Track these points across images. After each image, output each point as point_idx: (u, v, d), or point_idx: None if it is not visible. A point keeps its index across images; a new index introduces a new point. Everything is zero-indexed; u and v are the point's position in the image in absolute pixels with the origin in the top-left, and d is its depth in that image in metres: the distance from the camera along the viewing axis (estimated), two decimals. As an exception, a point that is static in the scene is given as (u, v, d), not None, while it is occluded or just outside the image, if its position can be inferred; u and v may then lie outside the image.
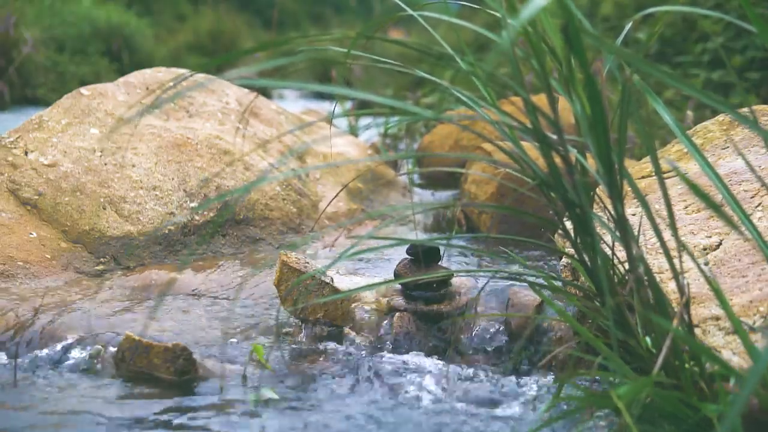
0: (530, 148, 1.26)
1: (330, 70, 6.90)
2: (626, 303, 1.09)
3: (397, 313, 1.59)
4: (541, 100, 2.90)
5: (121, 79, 2.55)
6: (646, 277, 1.04)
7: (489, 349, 1.54)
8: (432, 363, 1.50)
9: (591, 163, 1.08)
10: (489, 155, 2.37)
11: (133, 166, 2.18)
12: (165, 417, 1.27)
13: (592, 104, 0.94)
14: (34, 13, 8.26)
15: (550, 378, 1.43)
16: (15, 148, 2.17)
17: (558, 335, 1.51)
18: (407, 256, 1.63)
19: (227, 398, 1.34)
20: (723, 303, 1.00)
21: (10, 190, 2.07)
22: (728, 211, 1.29)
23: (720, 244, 1.41)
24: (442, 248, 1.62)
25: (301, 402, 1.33)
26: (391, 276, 1.66)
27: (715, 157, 1.71)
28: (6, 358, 1.51)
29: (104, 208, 2.06)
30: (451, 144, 3.22)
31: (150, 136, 2.27)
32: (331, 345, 1.57)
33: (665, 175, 1.74)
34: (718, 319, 1.21)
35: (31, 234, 1.96)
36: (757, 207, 1.46)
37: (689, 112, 3.35)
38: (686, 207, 1.57)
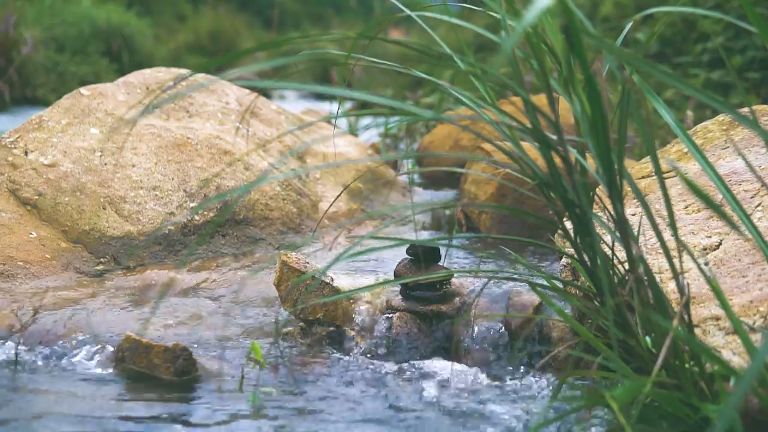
0: (530, 148, 1.26)
1: (330, 71, 6.91)
2: (626, 303, 1.09)
3: (397, 313, 1.59)
4: (541, 100, 2.90)
5: (121, 79, 2.55)
6: (646, 277, 1.04)
7: (489, 349, 1.54)
8: (432, 363, 1.50)
9: (591, 163, 1.08)
10: (489, 155, 2.37)
11: (133, 166, 2.18)
12: (165, 417, 1.27)
13: (592, 104, 0.94)
14: (34, 13, 8.26)
15: (550, 378, 1.43)
16: (15, 148, 2.17)
17: (558, 335, 1.51)
18: (407, 256, 1.63)
19: (227, 398, 1.34)
20: (723, 303, 1.00)
21: (10, 190, 2.07)
22: (728, 211, 1.29)
23: (720, 244, 1.41)
24: (442, 248, 1.62)
25: (301, 402, 1.33)
26: (392, 276, 1.66)
27: (715, 157, 1.71)
28: (6, 358, 1.51)
29: (104, 208, 2.06)
30: (451, 144, 3.22)
31: (150, 136, 2.27)
32: (331, 345, 1.57)
33: (665, 175, 1.74)
34: (718, 319, 1.21)
35: (31, 234, 1.96)
36: (757, 207, 1.46)
37: (689, 112, 3.35)
38: (686, 207, 1.57)
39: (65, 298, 1.73)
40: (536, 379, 1.43)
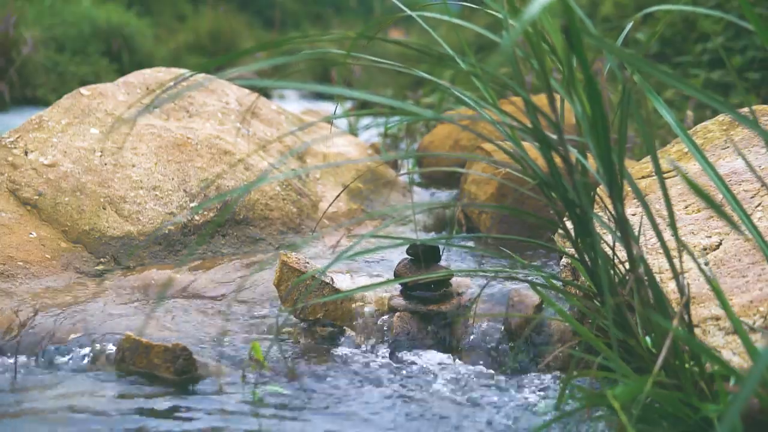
0: (530, 148, 1.26)
1: (330, 71, 6.91)
2: (626, 303, 1.09)
3: (397, 313, 1.59)
4: (541, 100, 2.90)
5: (121, 79, 2.55)
6: (646, 277, 1.04)
7: (489, 348, 1.54)
8: (432, 363, 1.50)
9: (591, 163, 1.08)
10: (489, 155, 2.37)
11: (133, 166, 2.18)
12: (165, 417, 1.27)
13: (592, 104, 0.94)
14: (34, 13, 8.26)
15: (551, 378, 1.43)
16: (15, 148, 2.17)
17: (558, 335, 1.51)
18: (407, 256, 1.63)
19: (227, 398, 1.34)
20: (723, 303, 1.00)
21: (10, 190, 2.07)
22: (728, 211, 1.29)
23: (720, 244, 1.41)
24: (442, 248, 1.62)
25: (301, 401, 1.33)
26: (392, 276, 1.66)
27: (715, 157, 1.71)
28: (6, 358, 1.51)
29: (104, 208, 2.06)
30: (451, 144, 3.22)
31: (150, 136, 2.27)
32: (331, 345, 1.57)
33: (665, 175, 1.74)
34: (718, 319, 1.21)
35: (31, 234, 1.96)
36: (757, 207, 1.46)
37: (689, 112, 3.35)
38: (686, 207, 1.57)
39: (65, 298, 1.73)
40: (537, 378, 1.43)
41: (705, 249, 1.41)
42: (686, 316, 1.04)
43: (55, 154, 2.16)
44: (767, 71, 4.49)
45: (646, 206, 1.00)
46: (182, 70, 2.74)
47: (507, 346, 1.54)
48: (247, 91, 2.77)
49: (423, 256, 1.59)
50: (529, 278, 1.30)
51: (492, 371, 1.47)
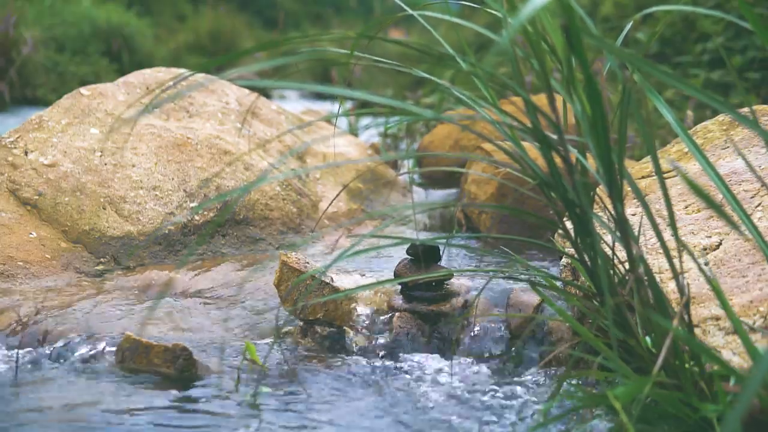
0: (530, 148, 1.26)
1: (330, 71, 6.91)
2: (626, 303, 1.09)
3: (397, 313, 1.59)
4: (541, 100, 2.90)
5: (121, 79, 2.55)
6: (646, 277, 1.04)
7: (489, 348, 1.54)
8: (432, 363, 1.50)
9: (591, 163, 1.08)
10: (489, 155, 2.37)
11: (133, 166, 2.18)
12: (164, 417, 1.27)
13: (592, 104, 0.94)
14: (34, 13, 8.26)
15: (551, 378, 1.43)
16: (15, 148, 2.17)
17: (558, 335, 1.51)
18: (407, 256, 1.63)
19: (226, 398, 1.34)
20: (723, 303, 1.00)
21: (10, 190, 2.07)
22: (728, 211, 1.29)
23: (720, 244, 1.41)
24: (442, 248, 1.62)
25: (300, 401, 1.33)
26: (391, 276, 1.66)
27: (715, 157, 1.71)
28: (7, 357, 1.51)
29: (104, 208, 2.06)
30: (451, 144, 3.22)
31: (150, 136, 2.27)
32: (331, 345, 1.57)
33: (665, 175, 1.74)
34: (718, 319, 1.21)
35: (31, 234, 1.96)
36: (757, 207, 1.46)
37: (689, 112, 3.35)
38: (686, 207, 1.57)
39: (65, 298, 1.73)
40: (537, 378, 1.43)
41: (705, 249, 1.41)
42: (686, 316, 1.04)
43: (55, 154, 2.16)
44: (767, 71, 4.49)
45: (646, 206, 1.00)
46: (182, 70, 2.74)
47: (507, 346, 1.54)
48: (247, 91, 2.77)
49: (423, 256, 1.59)
50: (529, 278, 1.30)
51: (492, 371, 1.47)
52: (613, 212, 1.02)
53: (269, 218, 2.23)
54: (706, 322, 1.22)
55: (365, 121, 4.53)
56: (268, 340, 1.59)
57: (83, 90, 2.41)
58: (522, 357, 1.51)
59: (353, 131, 4.38)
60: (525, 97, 1.00)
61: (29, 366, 1.49)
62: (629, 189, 1.04)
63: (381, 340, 1.57)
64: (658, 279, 1.31)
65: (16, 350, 1.52)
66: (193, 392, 1.37)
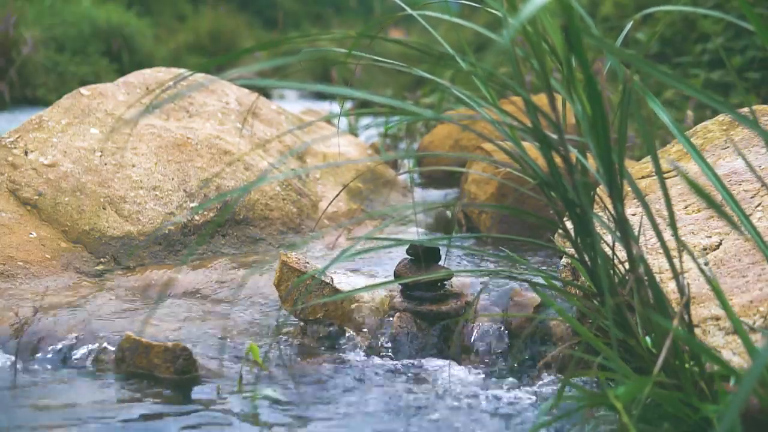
0: (530, 148, 1.26)
1: (330, 70, 6.91)
2: (626, 303, 1.09)
3: (397, 313, 1.59)
4: (541, 99, 2.90)
5: (121, 79, 2.55)
6: (646, 277, 1.04)
7: (489, 348, 1.54)
8: (432, 362, 1.50)
9: (591, 163, 1.08)
10: (489, 155, 2.37)
11: (133, 166, 2.18)
12: (164, 417, 1.27)
13: (592, 104, 0.93)
14: (34, 13, 8.26)
15: (551, 378, 1.43)
16: (15, 148, 2.17)
17: (558, 335, 1.51)
18: (407, 256, 1.63)
19: (226, 398, 1.34)
20: (723, 303, 1.00)
21: (10, 190, 2.07)
22: (729, 211, 1.29)
23: (720, 244, 1.41)
24: (442, 248, 1.62)
25: (300, 402, 1.33)
26: (392, 276, 1.66)
27: (715, 157, 1.71)
28: (6, 357, 1.51)
29: (104, 208, 2.06)
30: (451, 144, 3.22)
31: (150, 136, 2.27)
32: (331, 345, 1.57)
33: (665, 175, 1.74)
34: (718, 319, 1.21)
35: (31, 234, 1.96)
36: (757, 207, 1.46)
37: (689, 112, 3.35)
38: (686, 207, 1.57)
39: (65, 298, 1.73)
40: (537, 378, 1.43)
41: (705, 249, 1.41)
42: (686, 316, 1.04)
43: (55, 154, 2.16)
44: (767, 71, 4.49)
45: (646, 206, 1.00)
46: (182, 70, 2.74)
47: (507, 346, 1.54)
48: (247, 91, 2.77)
49: (423, 256, 1.59)
50: (529, 278, 1.30)
51: (492, 371, 1.47)
52: (613, 212, 1.02)
53: (269, 218, 2.23)
54: (706, 322, 1.22)
55: (365, 121, 4.54)
56: (268, 340, 1.59)
57: (83, 90, 2.41)
58: (522, 357, 1.51)
59: (353, 131, 4.38)
60: (525, 96, 1.00)
61: (29, 366, 1.49)
62: (629, 189, 1.04)
63: (381, 340, 1.57)
64: (658, 279, 1.31)
65: (15, 350, 1.52)
66: (194, 392, 1.37)
